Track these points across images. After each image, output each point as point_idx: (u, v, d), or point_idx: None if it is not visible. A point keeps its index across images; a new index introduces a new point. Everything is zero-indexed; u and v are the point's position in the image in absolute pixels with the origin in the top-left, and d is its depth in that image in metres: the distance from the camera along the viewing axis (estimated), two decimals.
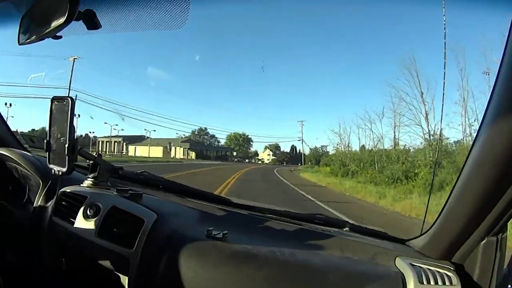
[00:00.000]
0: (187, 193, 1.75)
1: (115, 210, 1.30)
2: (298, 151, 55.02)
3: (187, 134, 52.00)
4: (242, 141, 59.45)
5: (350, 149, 23.90)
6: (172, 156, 47.78)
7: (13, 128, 2.21)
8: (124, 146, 51.77)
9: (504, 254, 1.10)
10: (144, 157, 40.82)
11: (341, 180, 17.97)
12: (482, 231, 1.07)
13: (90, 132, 47.10)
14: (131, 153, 49.11)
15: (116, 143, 51.76)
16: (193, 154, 49.05)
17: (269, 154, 61.76)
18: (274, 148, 62.97)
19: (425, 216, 1.69)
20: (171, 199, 1.66)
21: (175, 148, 48.08)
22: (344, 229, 1.47)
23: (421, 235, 1.32)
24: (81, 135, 46.27)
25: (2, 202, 1.54)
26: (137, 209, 1.30)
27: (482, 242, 1.09)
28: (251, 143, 59.55)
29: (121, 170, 1.64)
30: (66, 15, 0.86)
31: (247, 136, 58.94)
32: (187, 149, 48.51)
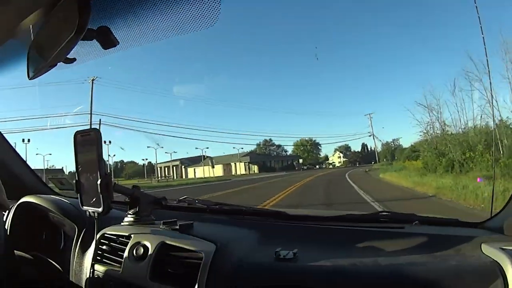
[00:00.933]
0: (238, 212, 1.69)
1: (166, 247, 1.20)
2: (369, 149, 52.86)
3: (252, 148, 52.05)
4: (310, 147, 57.71)
5: (447, 128, 17.73)
6: (234, 173, 47.25)
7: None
8: (183, 169, 51.44)
9: None
10: (199, 178, 40.78)
11: (455, 180, 11.11)
12: None
13: (143, 159, 49.63)
14: (190, 175, 50.29)
15: (174, 167, 50.76)
16: (255, 168, 46.65)
17: (339, 157, 59.55)
18: (344, 150, 60.95)
19: (492, 195, 1.69)
20: (224, 222, 1.59)
21: (235, 164, 45.31)
22: (414, 223, 1.40)
23: (494, 216, 1.32)
24: (144, 164, 49.53)
25: (37, 253, 1.55)
26: (191, 242, 1.19)
27: None
28: (320, 147, 57.55)
29: (164, 201, 1.52)
30: (76, 29, 0.80)
31: (314, 141, 57.07)
32: (247, 163, 45.30)
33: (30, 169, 2.10)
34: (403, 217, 1.50)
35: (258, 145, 53.60)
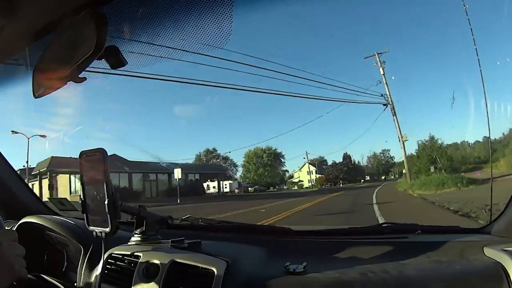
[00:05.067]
0: (243, 230, 1.75)
1: (176, 265, 1.21)
2: (354, 161, 40.76)
3: (189, 161, 35.87)
4: (267, 159, 38.16)
5: None
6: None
7: None
8: (54, 179, 30.83)
9: None
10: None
11: None
12: None
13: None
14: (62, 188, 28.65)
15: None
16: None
17: (309, 173, 38.98)
18: (319, 163, 40.21)
19: (491, 201, 1.74)
20: (230, 240, 1.62)
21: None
22: (417, 233, 1.46)
23: (494, 221, 1.36)
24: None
25: (39, 274, 1.50)
26: (202, 259, 1.20)
27: None
28: (283, 160, 40.03)
29: (170, 220, 1.51)
30: (93, 48, 0.80)
31: (275, 150, 38.50)
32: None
33: (29, 189, 1.98)
34: (405, 227, 1.53)
35: (197, 155, 40.08)
